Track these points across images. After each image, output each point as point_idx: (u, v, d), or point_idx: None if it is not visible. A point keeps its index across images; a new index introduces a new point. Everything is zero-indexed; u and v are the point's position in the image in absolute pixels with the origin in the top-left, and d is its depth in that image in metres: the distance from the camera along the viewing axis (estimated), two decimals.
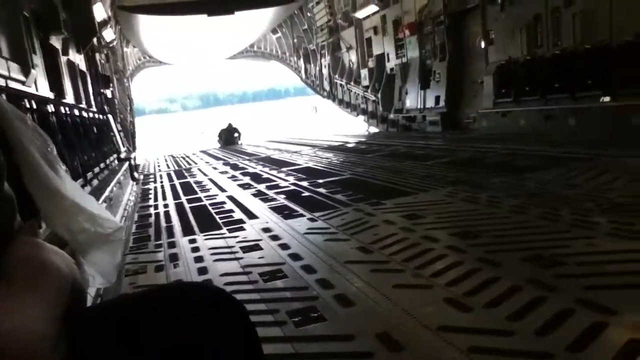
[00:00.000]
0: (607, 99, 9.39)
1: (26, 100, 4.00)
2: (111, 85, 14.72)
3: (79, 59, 8.76)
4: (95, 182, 6.27)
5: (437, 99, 15.69)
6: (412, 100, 17.18)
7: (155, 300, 0.82)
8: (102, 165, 7.30)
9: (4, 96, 3.15)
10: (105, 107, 11.88)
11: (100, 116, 10.09)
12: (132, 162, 12.48)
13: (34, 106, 4.35)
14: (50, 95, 5.72)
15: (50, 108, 5.18)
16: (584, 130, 9.73)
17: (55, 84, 6.09)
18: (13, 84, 4.08)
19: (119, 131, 13.09)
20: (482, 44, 13.64)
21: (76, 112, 6.84)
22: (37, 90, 5.00)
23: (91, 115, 8.56)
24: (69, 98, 6.90)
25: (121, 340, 0.73)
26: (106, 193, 5.55)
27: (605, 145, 7.91)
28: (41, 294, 0.68)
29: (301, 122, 37.43)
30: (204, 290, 0.86)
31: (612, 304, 2.59)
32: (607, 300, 2.63)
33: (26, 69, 4.56)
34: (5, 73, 3.89)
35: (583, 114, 9.99)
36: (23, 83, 4.48)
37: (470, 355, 2.27)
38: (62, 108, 5.87)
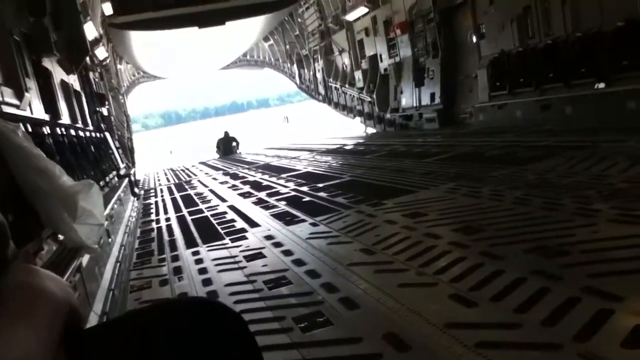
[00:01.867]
0: (601, 85, 9.38)
1: (21, 124, 4.00)
2: (107, 103, 14.73)
3: (72, 79, 8.77)
4: None
5: (433, 96, 15.69)
6: (407, 98, 17.19)
7: (153, 318, 0.82)
8: (101, 183, 7.29)
9: None
10: (102, 125, 11.88)
11: (98, 134, 10.10)
12: (132, 177, 12.49)
13: (30, 129, 4.35)
14: (46, 117, 5.71)
15: (46, 130, 5.18)
16: (580, 118, 9.71)
17: (50, 105, 6.08)
18: (7, 109, 4.08)
19: (117, 148, 13.10)
20: (474, 39, 13.64)
21: (72, 132, 6.84)
22: (32, 113, 5.00)
23: (88, 134, 8.56)
24: (65, 118, 6.90)
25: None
26: (107, 211, 5.54)
27: (603, 132, 7.90)
28: (36, 321, 0.68)
29: (274, 132, 37.16)
30: (203, 304, 0.86)
31: (618, 290, 2.58)
32: (613, 287, 2.62)
33: (20, 93, 4.56)
34: None
35: (579, 102, 9.98)
36: (17, 107, 4.47)
37: (478, 350, 2.26)
38: (58, 129, 5.87)
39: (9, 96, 4.18)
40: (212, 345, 0.79)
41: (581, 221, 3.86)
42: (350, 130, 22.72)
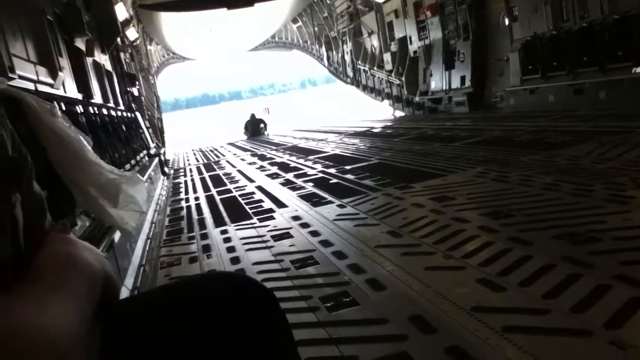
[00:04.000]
0: (639, 69, 9.10)
1: (55, 103, 4.09)
2: (137, 83, 14.92)
3: (104, 59, 8.90)
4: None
5: (463, 79, 15.45)
6: (437, 81, 16.96)
7: (186, 290, 0.84)
8: (132, 162, 7.42)
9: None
10: (133, 105, 12.05)
11: (128, 114, 10.25)
12: (162, 157, 12.67)
13: (63, 108, 4.45)
14: (79, 96, 5.82)
15: (79, 109, 5.29)
16: (615, 103, 9.45)
17: (83, 85, 6.20)
18: (42, 87, 4.18)
19: (147, 128, 13.28)
20: (506, 21, 13.35)
21: (104, 111, 6.96)
22: (65, 92, 5.10)
23: (119, 113, 8.71)
24: (97, 98, 7.03)
25: (153, 332, 0.75)
26: (143, 179, 5.64)
27: (638, 117, 7.68)
28: (72, 291, 0.69)
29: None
30: (234, 279, 0.87)
31: None
32: None
33: (53, 72, 4.66)
34: (34, 77, 3.98)
35: (614, 87, 9.70)
36: (51, 86, 4.57)
37: (505, 335, 2.26)
38: (90, 108, 5.98)
39: (43, 75, 4.27)
40: (242, 319, 0.80)
41: (613, 208, 3.79)
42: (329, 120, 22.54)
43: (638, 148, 5.69)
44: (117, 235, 3.57)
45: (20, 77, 3.49)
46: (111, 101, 8.29)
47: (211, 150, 18.43)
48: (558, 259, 2.98)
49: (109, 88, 8.49)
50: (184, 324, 0.77)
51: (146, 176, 6.94)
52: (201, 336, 0.75)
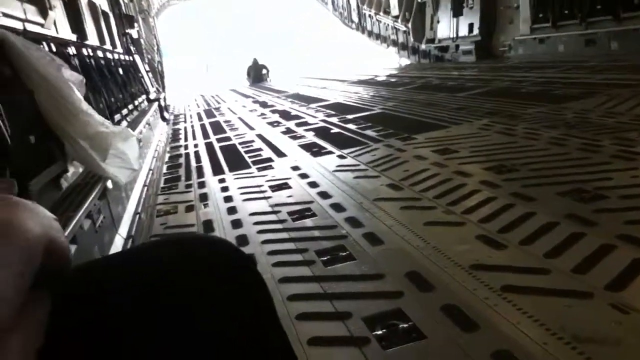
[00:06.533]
0: None
1: (45, 43, 3.92)
2: (136, 25, 14.51)
3: (100, 0, 8.59)
4: (124, 123, 6.26)
5: (471, 26, 15.02)
6: (444, 29, 16.50)
7: (151, 255, 0.73)
8: (130, 106, 7.27)
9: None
10: (132, 48, 11.75)
11: (127, 57, 9.99)
12: (162, 102, 12.48)
13: (54, 49, 4.28)
14: (72, 37, 5.61)
15: (72, 50, 5.10)
16: (628, 54, 9.17)
17: (77, 26, 5.97)
18: (31, 27, 3.99)
19: (147, 72, 13.01)
20: None
21: (100, 53, 6.76)
22: (57, 32, 4.90)
23: (116, 56, 8.47)
24: (92, 40, 6.80)
25: (105, 302, 0.65)
26: (135, 134, 5.53)
27: None
28: (2, 259, 0.59)
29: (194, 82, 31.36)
30: (207, 242, 0.77)
31: None
32: None
33: (44, 10, 4.45)
34: (22, 15, 3.78)
35: (627, 37, 9.41)
36: (42, 25, 4.37)
37: (504, 294, 2.19)
38: (84, 50, 5.79)
39: (32, 14, 4.07)
40: (215, 285, 0.70)
41: (621, 164, 3.68)
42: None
43: None
44: (110, 183, 3.49)
45: (5, 15, 3.31)
46: (108, 43, 8.04)
47: (212, 97, 18.17)
48: (561, 217, 2.89)
49: (106, 30, 8.22)
50: (144, 295, 0.67)
51: (144, 122, 6.81)
52: (165, 310, 0.65)
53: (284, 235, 3.35)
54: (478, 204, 3.35)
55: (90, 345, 0.63)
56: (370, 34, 24.50)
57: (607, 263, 2.32)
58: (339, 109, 9.30)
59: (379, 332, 2.07)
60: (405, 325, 2.08)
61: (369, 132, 6.50)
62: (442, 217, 3.24)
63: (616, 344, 1.78)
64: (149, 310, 0.64)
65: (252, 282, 0.74)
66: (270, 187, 4.63)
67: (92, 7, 7.39)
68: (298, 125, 8.12)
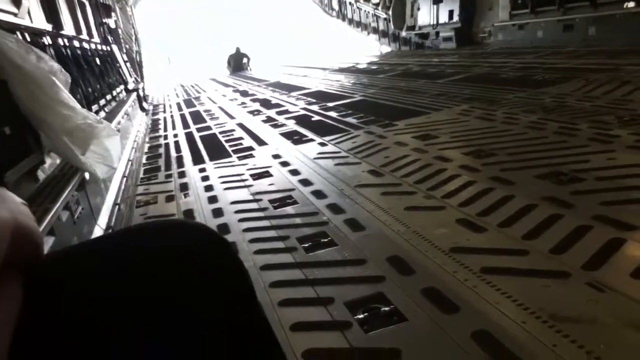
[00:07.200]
0: (631, 4, 8.87)
1: (18, 33, 3.84)
2: (113, 14, 14.27)
3: None
4: (102, 114, 6.18)
5: (451, 13, 15.06)
6: (424, 16, 16.52)
7: (127, 241, 0.73)
8: (108, 97, 7.17)
9: None
10: (109, 38, 11.56)
11: (104, 47, 9.84)
12: (141, 92, 12.33)
13: (29, 39, 4.20)
14: (48, 27, 5.51)
15: (47, 40, 5.01)
16: (605, 39, 9.28)
17: (52, 15, 5.85)
18: (4, 16, 3.90)
19: (125, 62, 12.82)
20: None
21: (76, 43, 6.65)
22: (31, 22, 4.80)
23: (93, 46, 8.34)
24: (68, 29, 6.68)
25: (78, 291, 0.64)
26: (113, 125, 5.47)
27: (628, 55, 7.55)
28: None
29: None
30: (179, 226, 0.76)
31: (631, 219, 2.50)
32: (627, 216, 2.54)
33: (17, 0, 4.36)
34: None
35: (604, 22, 9.51)
36: (15, 15, 4.28)
37: (484, 275, 2.22)
38: (60, 40, 5.69)
39: (4, 3, 3.98)
40: (188, 268, 0.69)
41: (598, 147, 3.73)
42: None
43: (625, 86, 5.59)
44: (87, 175, 3.44)
45: None
46: (84, 33, 7.91)
47: (192, 86, 17.99)
48: (539, 199, 2.93)
49: (82, 19, 8.08)
50: (119, 278, 0.66)
51: (122, 112, 6.72)
52: (147, 299, 0.65)
53: (265, 223, 3.34)
54: (458, 188, 3.38)
55: (71, 331, 0.62)
56: (350, 21, 24.42)
57: (584, 243, 2.36)
58: (320, 96, 9.28)
59: (361, 316, 2.08)
60: (386, 309, 2.10)
61: (349, 120, 6.50)
62: (423, 202, 3.26)
63: (592, 322, 1.81)
64: (131, 298, 0.63)
65: (232, 269, 0.74)
66: (252, 175, 4.61)
67: None
68: (279, 113, 8.09)
